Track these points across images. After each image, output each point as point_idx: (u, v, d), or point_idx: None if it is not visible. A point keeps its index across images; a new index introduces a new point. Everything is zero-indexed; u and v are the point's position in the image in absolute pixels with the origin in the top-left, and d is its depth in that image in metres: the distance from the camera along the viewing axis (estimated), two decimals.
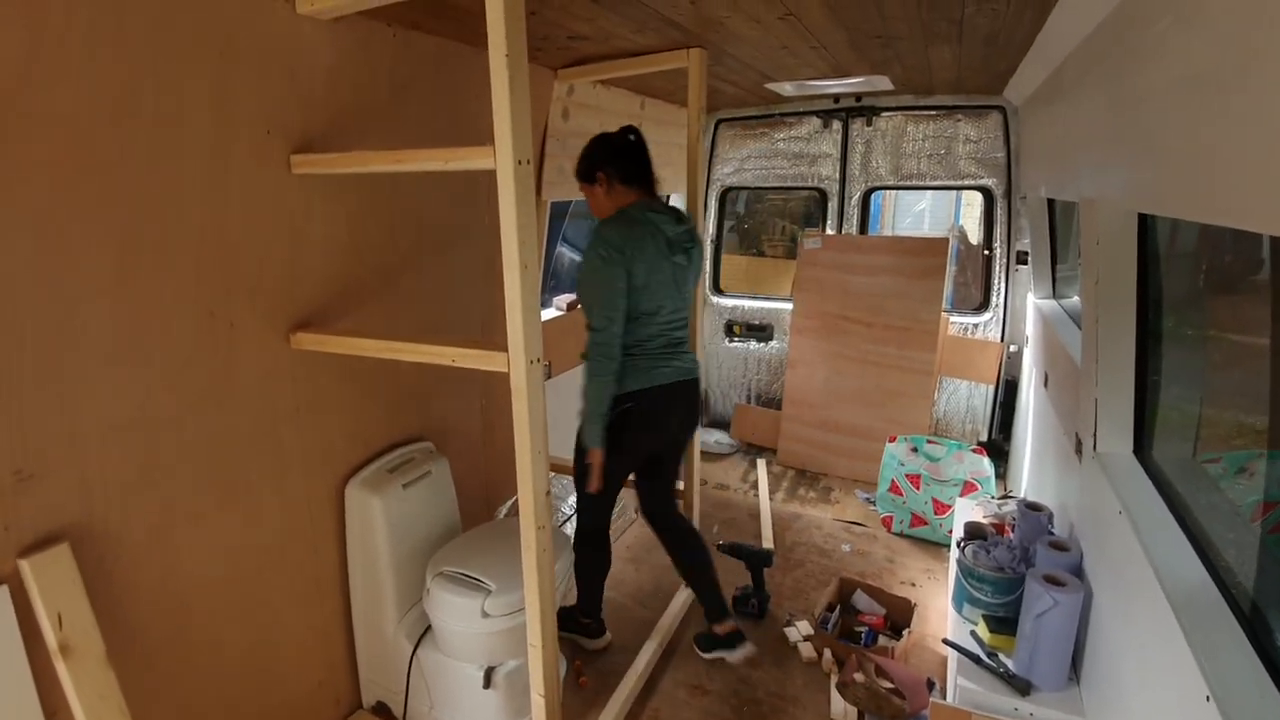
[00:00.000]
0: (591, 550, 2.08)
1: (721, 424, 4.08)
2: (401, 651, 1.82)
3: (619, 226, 1.80)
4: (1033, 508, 1.93)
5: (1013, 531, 2.10)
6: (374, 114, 1.71)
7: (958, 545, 2.07)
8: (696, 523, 2.41)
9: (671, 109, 3.15)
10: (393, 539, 1.79)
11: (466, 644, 1.71)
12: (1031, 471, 2.63)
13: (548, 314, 2.77)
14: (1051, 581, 1.58)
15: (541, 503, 1.36)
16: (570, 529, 2.68)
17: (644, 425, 1.90)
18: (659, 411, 1.92)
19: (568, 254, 4.48)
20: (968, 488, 2.73)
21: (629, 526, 2.98)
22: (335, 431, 1.75)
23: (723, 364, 4.04)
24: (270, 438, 1.58)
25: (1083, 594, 1.56)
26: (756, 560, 2.37)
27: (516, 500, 2.46)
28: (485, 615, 1.68)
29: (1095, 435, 1.64)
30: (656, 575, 2.67)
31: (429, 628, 1.80)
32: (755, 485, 3.45)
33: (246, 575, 1.56)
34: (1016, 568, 1.76)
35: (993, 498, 2.59)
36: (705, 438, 3.84)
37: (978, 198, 8.13)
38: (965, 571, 1.81)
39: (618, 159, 1.86)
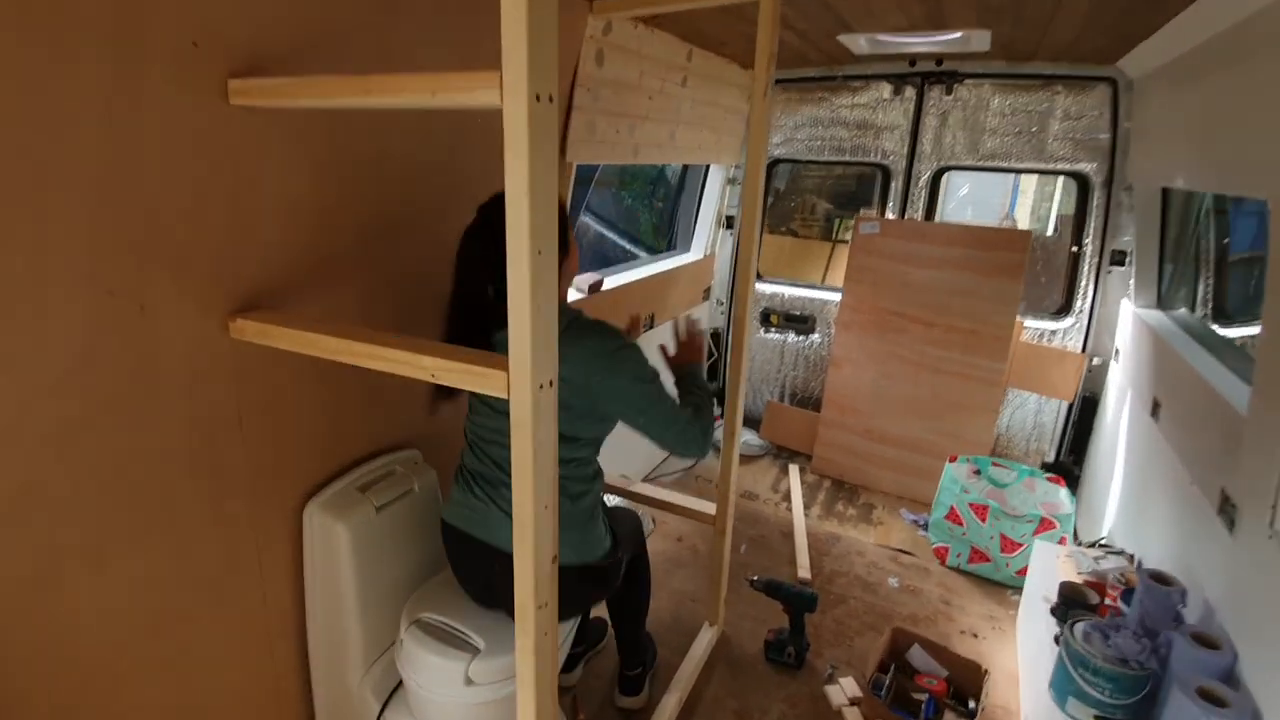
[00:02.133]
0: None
1: (751, 422, 3.70)
2: (367, 710, 1.49)
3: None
4: (1159, 579, 1.54)
5: (1120, 600, 1.72)
6: (354, 33, 1.31)
7: (1055, 614, 1.70)
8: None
9: (720, 64, 2.71)
10: (361, 574, 1.45)
11: (444, 715, 1.38)
12: (1123, 515, 2.23)
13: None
14: (1209, 698, 1.20)
15: (545, 574, 1.00)
16: None
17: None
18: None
19: (593, 226, 4.09)
20: (1044, 525, 2.34)
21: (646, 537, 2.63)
22: (293, 441, 1.40)
23: (756, 355, 3.65)
24: (204, 452, 1.22)
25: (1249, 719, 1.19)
26: (799, 604, 2.01)
27: None
28: (469, 683, 1.34)
29: (1277, 510, 1.24)
30: (676, 602, 2.32)
31: (401, 682, 1.47)
32: (787, 496, 3.08)
33: (170, 624, 1.22)
34: (1145, 662, 1.39)
35: (1080, 543, 2.21)
36: None
37: (1033, 184, 7.56)
38: (1076, 659, 1.43)
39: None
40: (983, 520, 2.43)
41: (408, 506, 1.58)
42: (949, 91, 2.92)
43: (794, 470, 3.31)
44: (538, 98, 0.80)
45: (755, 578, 2.07)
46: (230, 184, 1.15)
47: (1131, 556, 1.99)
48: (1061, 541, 2.28)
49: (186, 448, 1.19)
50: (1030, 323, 3.04)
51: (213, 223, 1.14)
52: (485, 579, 1.44)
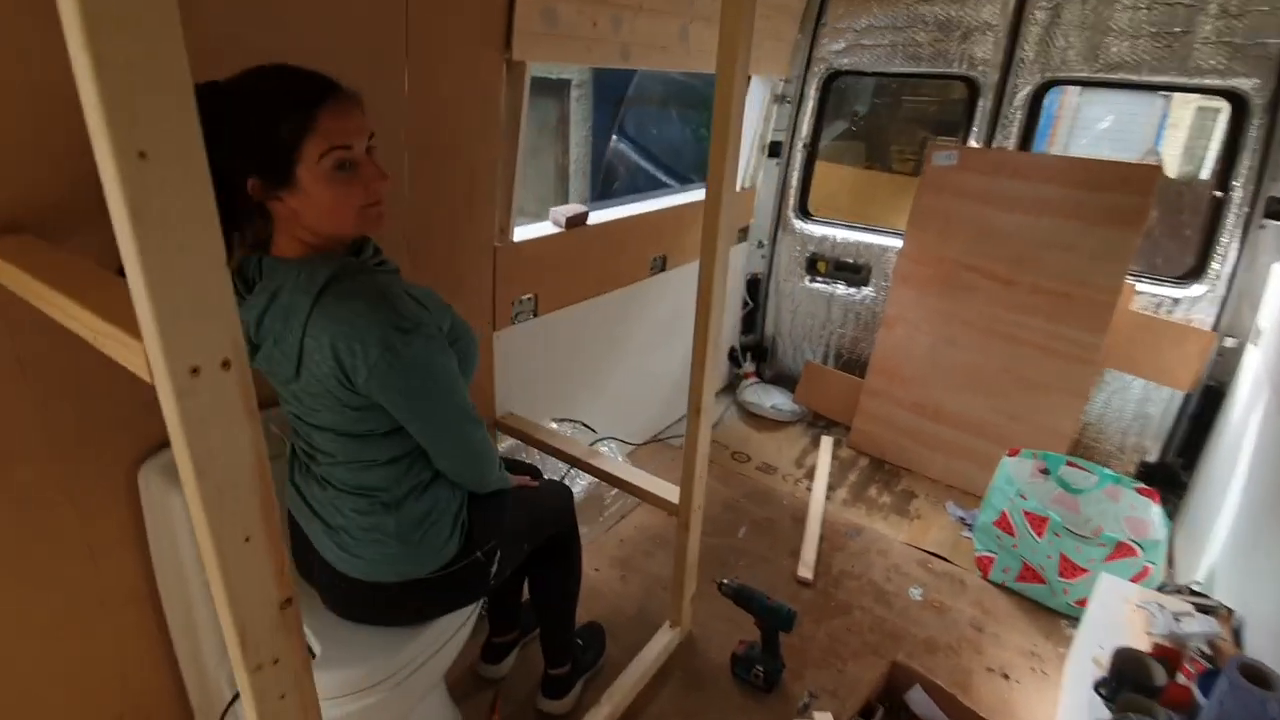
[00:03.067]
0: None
1: (786, 382, 3.26)
2: (220, 699, 1.31)
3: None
4: (1255, 676, 1.06)
5: (1196, 685, 1.25)
6: None
7: (1101, 692, 1.26)
8: (718, 516, 1.68)
9: None
10: None
11: None
12: (1233, 551, 1.68)
13: (535, 230, 2.01)
14: None
15: (265, 623, 0.71)
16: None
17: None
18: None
19: (629, 152, 3.64)
20: (1121, 550, 1.82)
21: (624, 517, 2.33)
22: (111, 391, 1.16)
23: (798, 307, 3.17)
24: None
25: None
26: (772, 620, 1.66)
27: None
28: None
29: None
30: (646, 590, 2.03)
31: None
32: (811, 474, 2.67)
33: None
34: None
35: (1167, 585, 1.70)
36: (761, 399, 3.06)
37: (1189, 114, 6.24)
38: None
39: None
40: (1039, 534, 1.93)
41: (277, 473, 1.34)
42: None
43: (826, 444, 2.87)
44: None
45: (725, 580, 1.72)
46: None
47: (1230, 613, 1.48)
48: (1140, 576, 1.76)
49: None
50: (1145, 287, 2.39)
51: None
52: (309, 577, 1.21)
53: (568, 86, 4.18)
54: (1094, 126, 6.17)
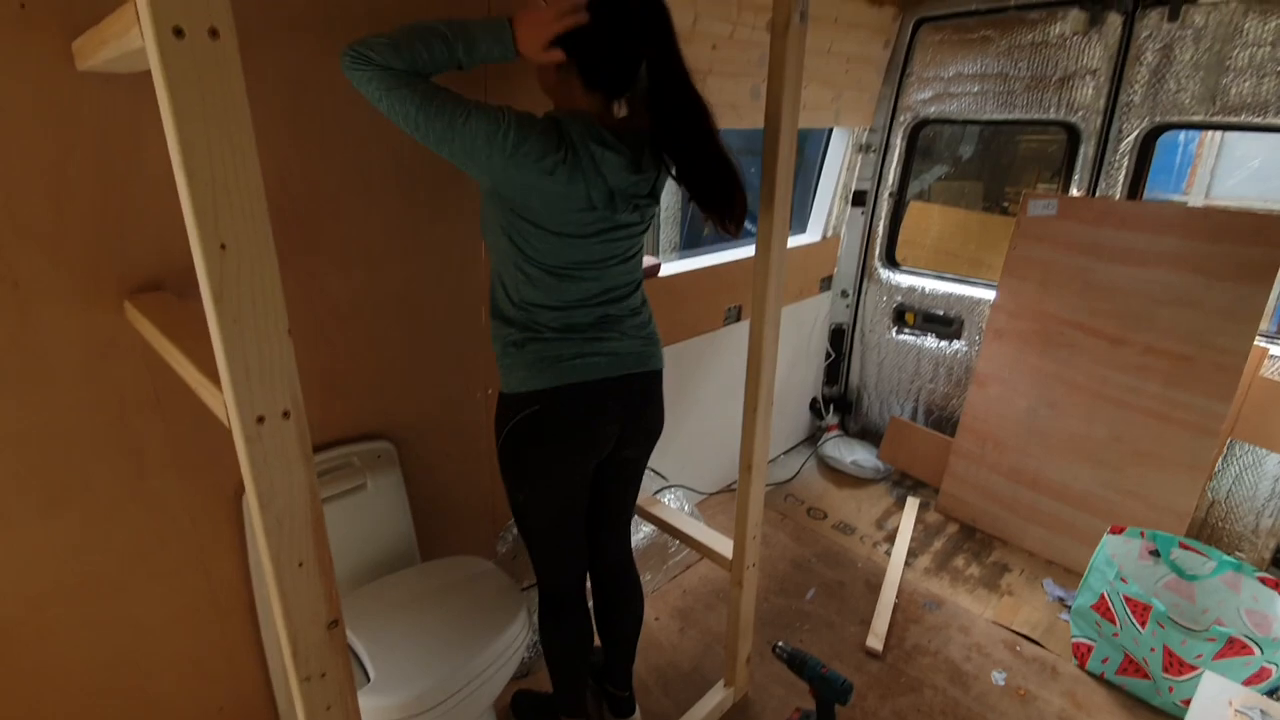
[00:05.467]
0: (553, 622, 1.48)
1: (871, 437, 3.14)
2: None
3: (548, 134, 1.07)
4: None
5: None
6: None
7: None
8: (787, 575, 1.62)
9: (837, 1, 2.20)
10: None
11: None
12: None
13: None
14: None
15: (313, 640, 0.80)
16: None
17: (561, 438, 1.24)
18: (581, 420, 1.25)
19: None
20: (1234, 647, 1.59)
21: (689, 567, 2.32)
22: (221, 428, 1.35)
23: (885, 359, 3.06)
24: (113, 431, 1.21)
25: None
26: (825, 691, 1.58)
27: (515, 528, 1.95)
28: None
29: None
30: (705, 645, 2.00)
31: None
32: (892, 538, 2.54)
33: (96, 591, 1.26)
34: None
35: (1275, 692, 1.47)
36: (842, 453, 2.96)
37: None
38: None
39: (587, 35, 1.06)
40: (1141, 624, 1.73)
41: (353, 505, 1.48)
42: (1174, 16, 2.07)
43: (912, 506, 2.72)
44: (178, 32, 0.57)
45: (781, 644, 1.67)
46: (98, 157, 1.07)
47: None
48: (1257, 678, 1.53)
49: (90, 422, 1.18)
50: (1278, 350, 2.12)
51: (80, 198, 1.08)
52: (635, 403, 1.31)
53: None
54: (1241, 167, 5.55)
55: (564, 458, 1.26)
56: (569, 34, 1.05)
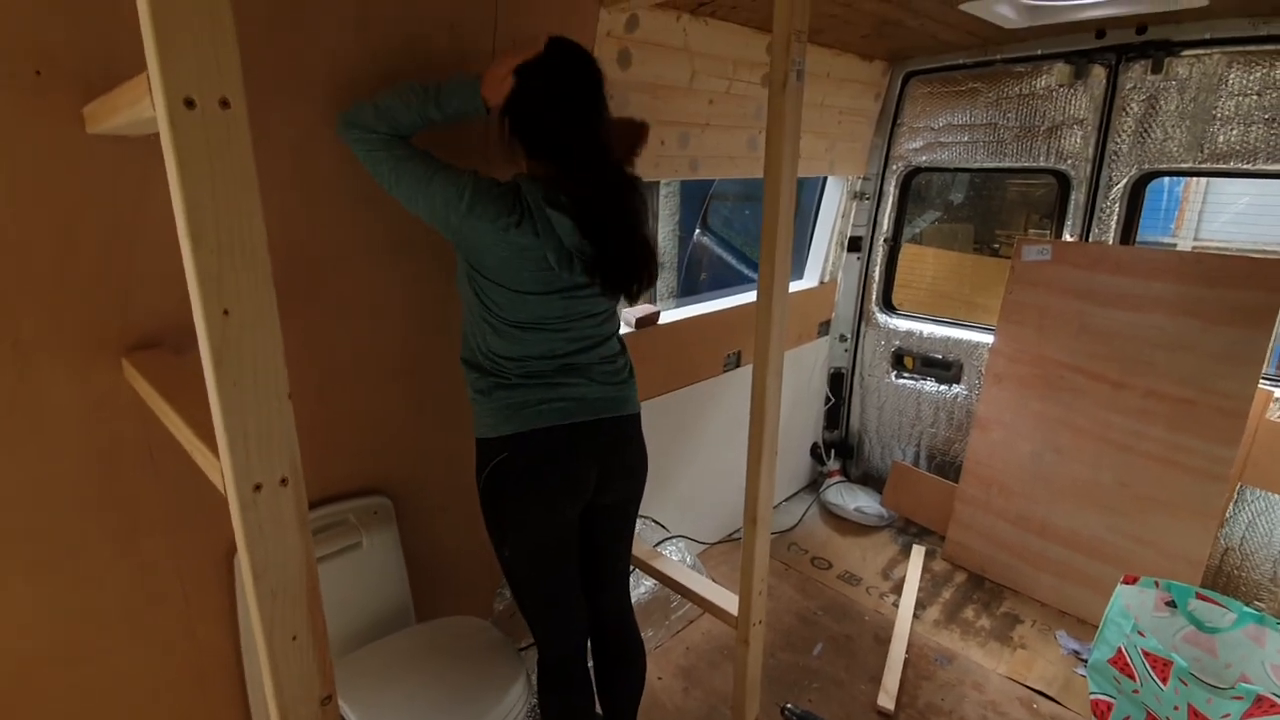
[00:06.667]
0: (554, 695, 1.41)
1: (874, 482, 3.09)
2: None
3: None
4: None
5: None
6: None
7: None
8: (792, 629, 1.55)
9: (824, 55, 2.25)
10: None
11: None
12: None
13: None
14: None
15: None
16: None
17: (532, 484, 1.24)
18: (550, 464, 1.24)
19: (712, 246, 3.75)
20: (1262, 706, 1.53)
21: (692, 622, 2.25)
22: (213, 488, 1.31)
23: (885, 403, 3.04)
24: (106, 488, 1.18)
25: None
26: None
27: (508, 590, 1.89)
28: None
29: None
30: (710, 706, 1.92)
31: None
32: (899, 588, 2.47)
33: (81, 655, 1.21)
34: None
35: None
36: (845, 500, 2.92)
37: None
38: None
39: (521, 102, 1.15)
40: (1163, 681, 1.67)
41: (349, 564, 1.43)
42: (1158, 68, 2.13)
43: (917, 554, 2.66)
44: (189, 103, 0.57)
45: (790, 705, 1.60)
46: (104, 218, 1.07)
47: None
48: None
49: (84, 480, 1.15)
50: None
51: (85, 258, 1.07)
52: (609, 448, 1.31)
53: (657, 184, 4.42)
54: (1228, 209, 5.66)
55: (538, 504, 1.26)
56: (510, 107, 1.14)
